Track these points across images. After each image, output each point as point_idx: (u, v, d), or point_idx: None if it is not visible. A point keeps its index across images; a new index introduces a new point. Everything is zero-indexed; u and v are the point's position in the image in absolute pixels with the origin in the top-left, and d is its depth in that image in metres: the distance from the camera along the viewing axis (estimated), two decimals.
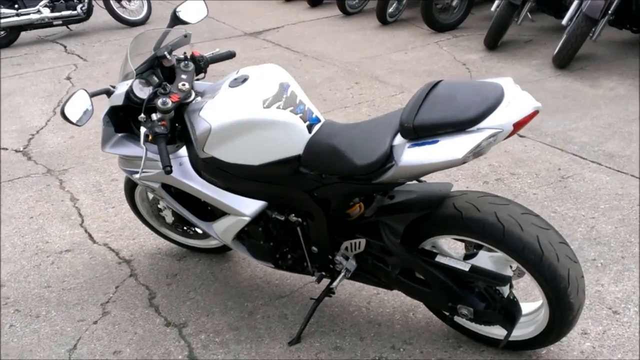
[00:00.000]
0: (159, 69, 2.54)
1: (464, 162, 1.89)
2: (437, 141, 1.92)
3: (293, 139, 2.22)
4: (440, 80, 2.07)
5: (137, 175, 2.42)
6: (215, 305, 2.79)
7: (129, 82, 2.44)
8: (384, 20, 7.43)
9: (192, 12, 2.71)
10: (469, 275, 2.17)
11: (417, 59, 6.12)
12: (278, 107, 2.23)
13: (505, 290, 2.20)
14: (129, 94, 2.43)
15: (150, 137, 2.29)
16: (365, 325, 2.60)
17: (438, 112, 1.93)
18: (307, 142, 2.22)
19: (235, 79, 2.38)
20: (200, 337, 2.61)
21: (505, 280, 2.13)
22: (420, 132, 1.94)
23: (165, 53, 2.50)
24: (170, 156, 2.51)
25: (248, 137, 2.23)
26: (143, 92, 2.43)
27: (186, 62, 2.52)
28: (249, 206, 2.43)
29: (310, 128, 2.25)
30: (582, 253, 2.91)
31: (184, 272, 3.04)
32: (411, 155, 1.95)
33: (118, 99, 2.45)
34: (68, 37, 8.25)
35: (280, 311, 2.72)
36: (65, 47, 7.77)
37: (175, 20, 2.66)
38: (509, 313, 2.20)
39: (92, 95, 2.42)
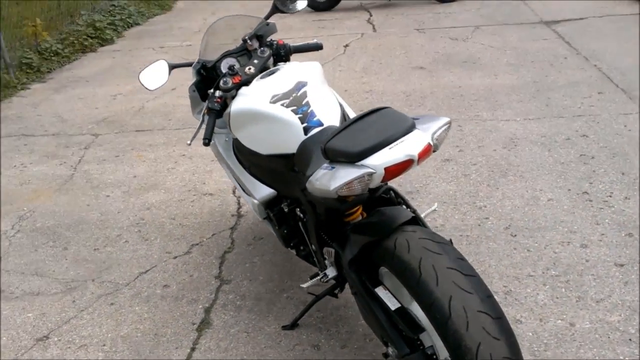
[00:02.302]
0: (252, 53, 2.80)
1: (339, 196, 1.80)
2: (333, 167, 1.85)
3: (288, 137, 2.31)
4: (384, 108, 1.95)
5: (188, 142, 2.75)
6: (263, 274, 3.02)
7: (202, 59, 2.77)
8: None
9: (291, 2, 2.89)
10: (393, 316, 2.02)
11: None
12: (282, 104, 2.33)
13: (427, 341, 1.99)
14: (217, 69, 2.76)
15: (206, 110, 2.60)
16: (359, 336, 2.56)
17: (346, 139, 1.86)
18: (300, 143, 2.28)
19: (268, 71, 2.53)
20: (229, 296, 2.89)
21: (416, 331, 1.94)
22: (328, 155, 1.89)
23: (247, 38, 2.74)
24: (223, 130, 2.80)
25: (255, 127, 2.39)
26: None
27: (263, 48, 2.73)
28: (260, 191, 2.59)
29: (307, 130, 2.30)
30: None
31: (268, 238, 3.31)
32: (314, 176, 1.91)
33: (193, 73, 2.80)
34: (382, 6, 8.82)
35: (305, 298, 2.82)
36: (370, 15, 8.36)
37: (275, 9, 2.87)
38: None
39: (175, 66, 2.80)
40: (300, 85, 2.39)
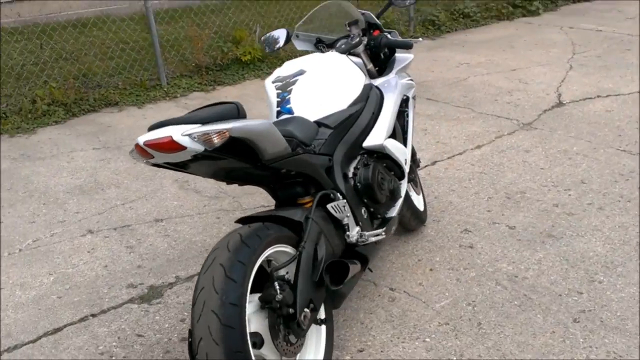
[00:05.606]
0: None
1: (153, 166, 1.99)
2: None
3: (270, 116, 2.51)
4: (231, 103, 2.00)
5: None
6: None
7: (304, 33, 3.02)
8: None
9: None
10: None
11: None
12: (276, 86, 2.53)
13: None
14: (333, 46, 3.03)
15: None
16: None
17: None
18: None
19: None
20: None
21: None
22: None
23: (346, 23, 2.90)
24: None
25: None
26: None
27: (352, 36, 2.85)
28: None
29: (279, 114, 2.47)
30: None
31: None
32: None
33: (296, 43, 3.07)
34: None
35: None
36: None
37: (388, 5, 2.97)
38: None
39: (289, 37, 3.10)
40: (298, 73, 2.51)
